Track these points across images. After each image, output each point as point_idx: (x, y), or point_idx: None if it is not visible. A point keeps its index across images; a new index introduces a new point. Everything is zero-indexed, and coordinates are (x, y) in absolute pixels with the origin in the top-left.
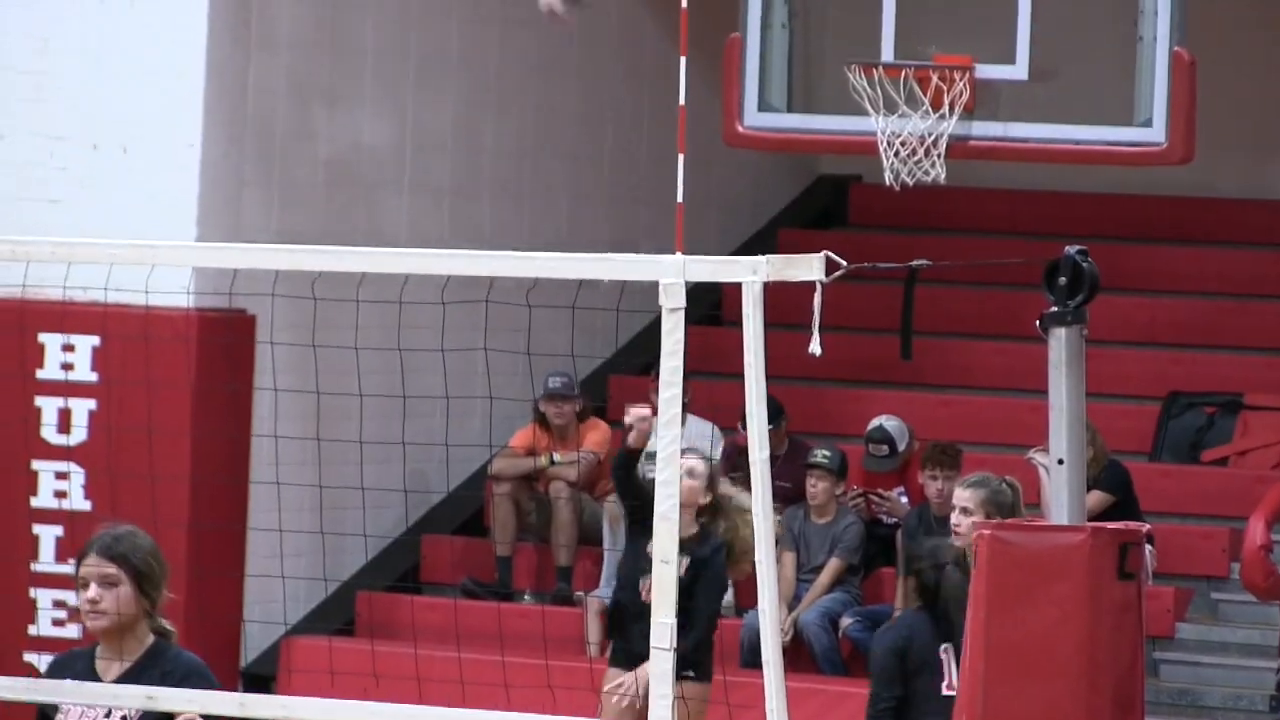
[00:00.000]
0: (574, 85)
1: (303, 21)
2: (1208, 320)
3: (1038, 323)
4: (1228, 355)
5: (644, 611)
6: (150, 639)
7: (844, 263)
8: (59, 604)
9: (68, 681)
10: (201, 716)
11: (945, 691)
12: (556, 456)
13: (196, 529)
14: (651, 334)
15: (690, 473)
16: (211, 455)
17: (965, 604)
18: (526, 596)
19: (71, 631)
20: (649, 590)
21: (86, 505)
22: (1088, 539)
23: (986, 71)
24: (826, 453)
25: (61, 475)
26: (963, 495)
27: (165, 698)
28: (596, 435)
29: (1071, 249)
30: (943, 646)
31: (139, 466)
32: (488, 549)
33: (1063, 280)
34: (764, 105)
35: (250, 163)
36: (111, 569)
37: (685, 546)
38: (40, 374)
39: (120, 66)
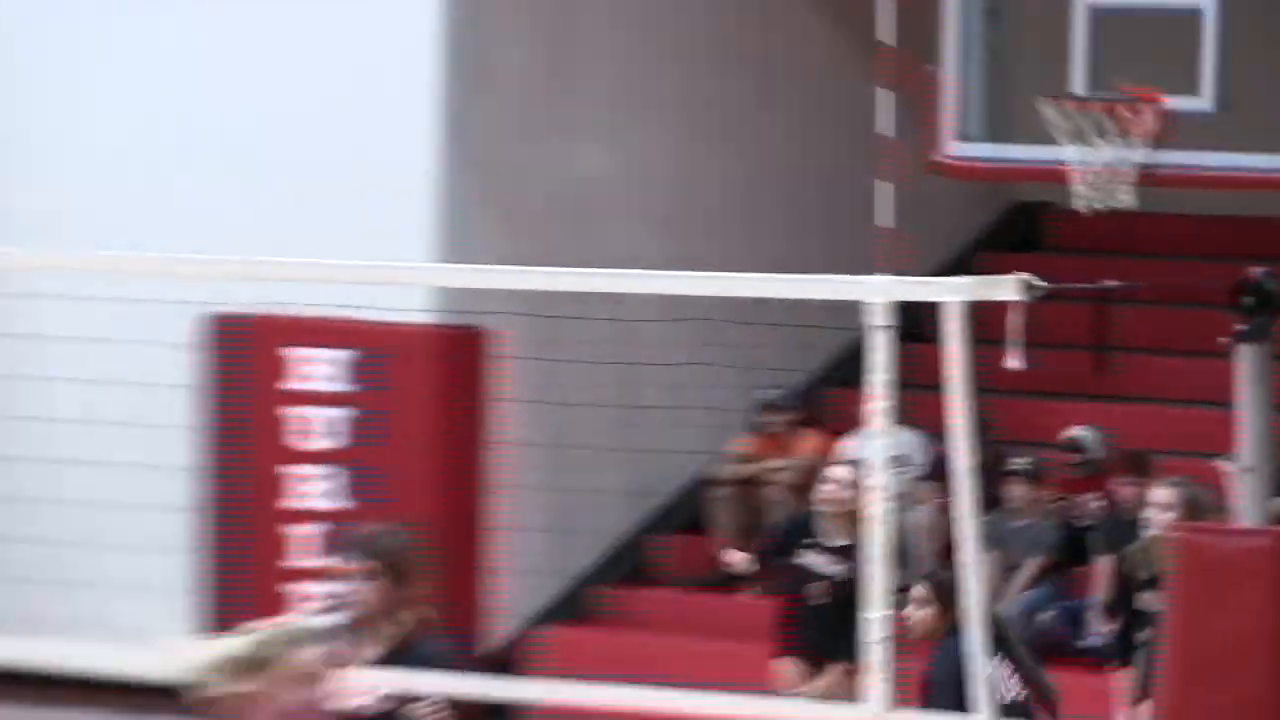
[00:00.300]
0: (781, 120)
1: (530, 61)
2: None
3: (1224, 339)
4: None
5: (812, 611)
6: (403, 629)
7: (1043, 283)
8: (312, 598)
9: None
10: (449, 702)
11: (1005, 699)
12: (772, 463)
13: (441, 528)
14: (857, 350)
15: (838, 480)
16: (454, 461)
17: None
18: (747, 589)
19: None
20: (815, 594)
21: (338, 507)
22: (1275, 542)
23: (1173, 103)
24: (1024, 460)
25: (313, 479)
26: (1162, 494)
27: (416, 683)
28: (809, 443)
29: (1258, 270)
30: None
31: (387, 471)
32: (709, 549)
33: (1249, 300)
34: (963, 135)
35: (479, 193)
36: (366, 564)
37: (847, 552)
38: (292, 386)
39: (362, 105)
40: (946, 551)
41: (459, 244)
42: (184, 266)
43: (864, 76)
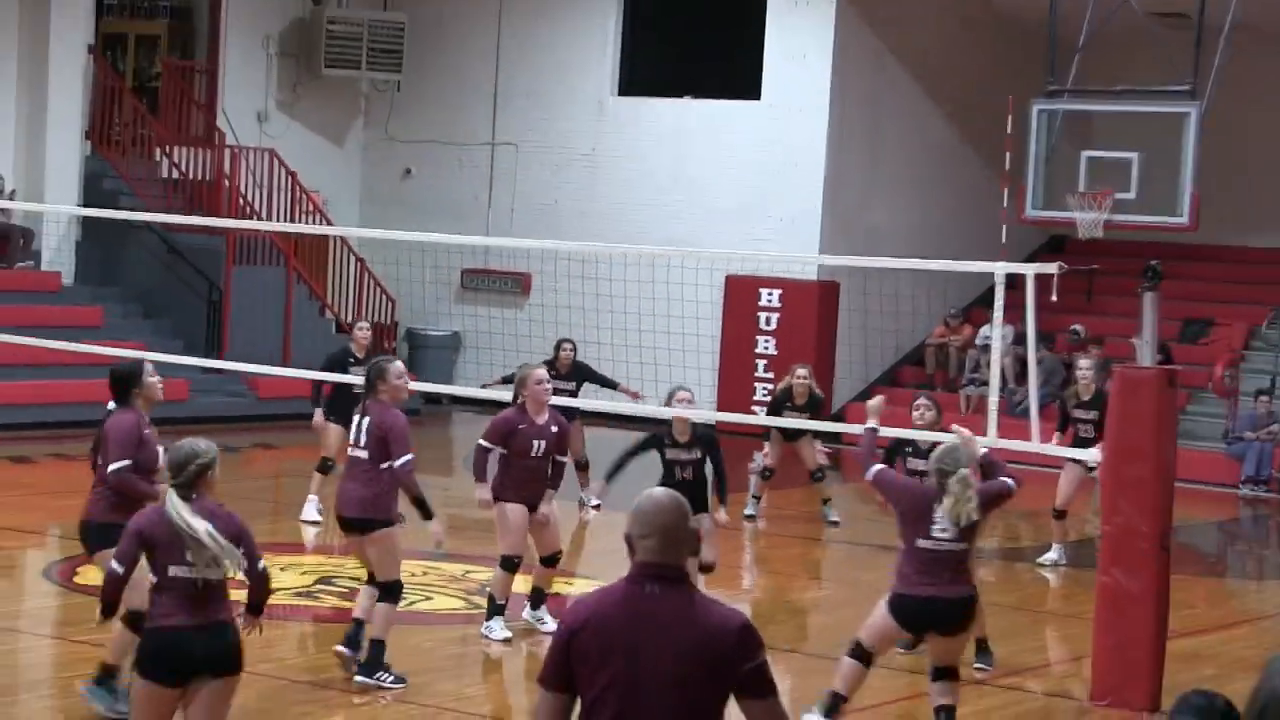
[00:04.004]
0: (959, 195)
1: (860, 161)
2: None
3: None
4: None
5: None
6: None
7: (1065, 266)
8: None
9: None
10: None
11: None
12: (951, 339)
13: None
14: (987, 294)
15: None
16: (823, 346)
17: None
18: None
19: None
20: None
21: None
22: None
23: (1117, 194)
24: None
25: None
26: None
27: None
28: (966, 331)
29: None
30: None
31: (789, 347)
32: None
33: (1149, 273)
34: (1033, 206)
35: (838, 225)
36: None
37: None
38: (759, 304)
39: (791, 184)
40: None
41: (827, 247)
42: (714, 253)
43: (996, 180)
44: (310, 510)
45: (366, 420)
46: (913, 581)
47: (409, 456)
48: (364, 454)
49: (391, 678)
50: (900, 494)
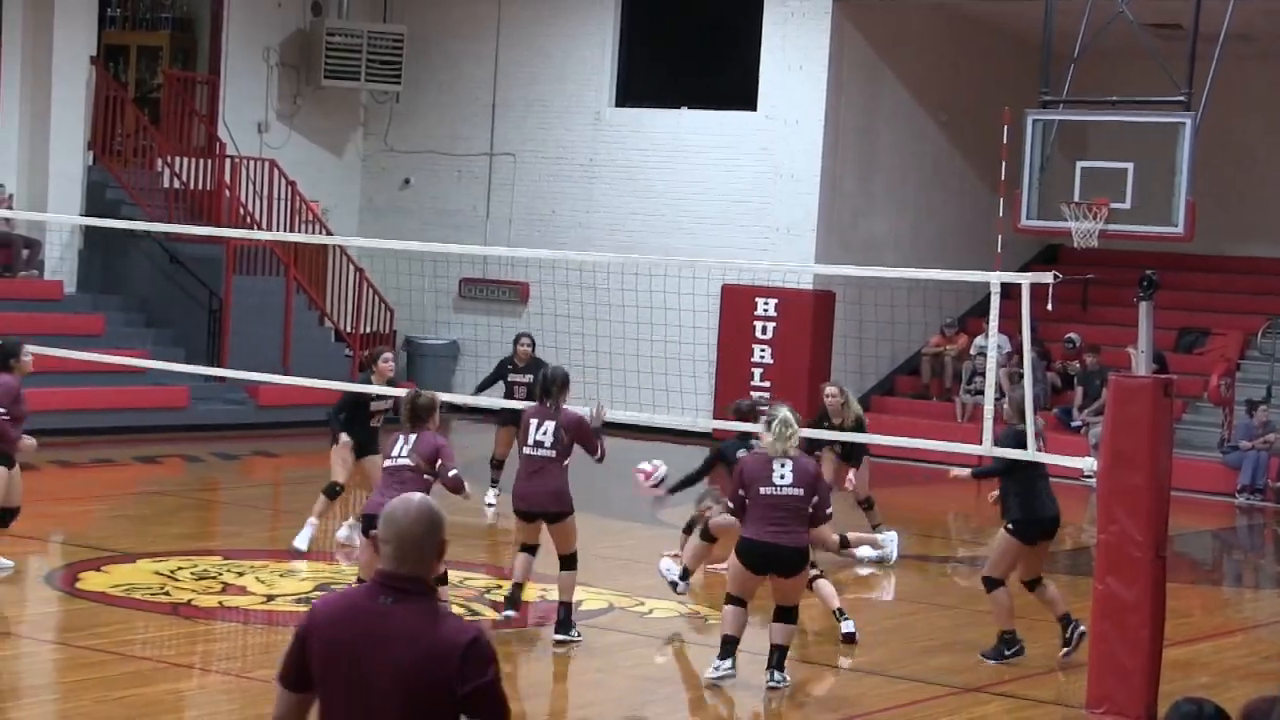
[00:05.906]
0: (957, 209)
1: (850, 175)
2: None
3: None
4: None
5: None
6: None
7: (1060, 275)
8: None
9: None
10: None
11: None
12: (946, 348)
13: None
14: (984, 302)
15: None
16: (818, 352)
17: None
18: None
19: None
20: None
21: (769, 362)
22: None
23: (1113, 203)
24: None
25: (760, 349)
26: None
27: None
28: (961, 340)
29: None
30: None
31: (785, 355)
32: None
33: (1145, 282)
34: (1028, 216)
35: (834, 233)
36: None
37: None
38: (755, 313)
39: (786, 193)
40: None
41: (822, 257)
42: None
43: (991, 190)
44: (344, 530)
45: (559, 423)
46: (756, 528)
47: (601, 453)
48: (551, 453)
49: (577, 631)
50: (742, 474)
